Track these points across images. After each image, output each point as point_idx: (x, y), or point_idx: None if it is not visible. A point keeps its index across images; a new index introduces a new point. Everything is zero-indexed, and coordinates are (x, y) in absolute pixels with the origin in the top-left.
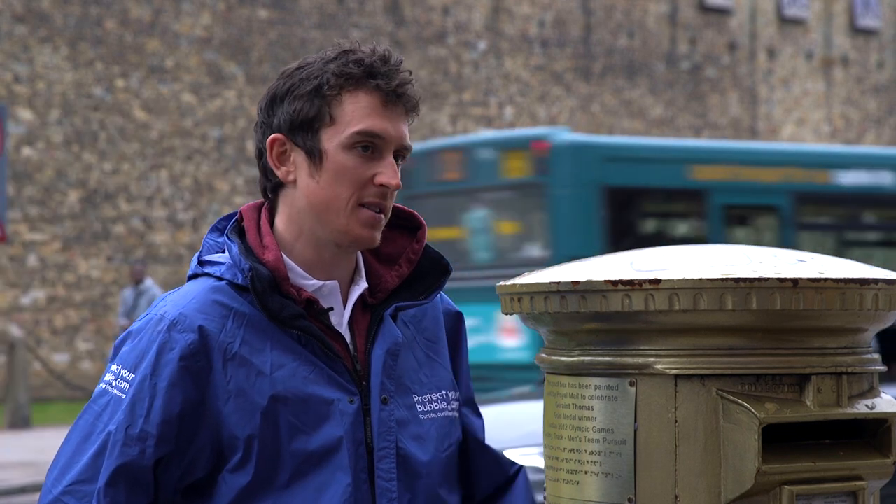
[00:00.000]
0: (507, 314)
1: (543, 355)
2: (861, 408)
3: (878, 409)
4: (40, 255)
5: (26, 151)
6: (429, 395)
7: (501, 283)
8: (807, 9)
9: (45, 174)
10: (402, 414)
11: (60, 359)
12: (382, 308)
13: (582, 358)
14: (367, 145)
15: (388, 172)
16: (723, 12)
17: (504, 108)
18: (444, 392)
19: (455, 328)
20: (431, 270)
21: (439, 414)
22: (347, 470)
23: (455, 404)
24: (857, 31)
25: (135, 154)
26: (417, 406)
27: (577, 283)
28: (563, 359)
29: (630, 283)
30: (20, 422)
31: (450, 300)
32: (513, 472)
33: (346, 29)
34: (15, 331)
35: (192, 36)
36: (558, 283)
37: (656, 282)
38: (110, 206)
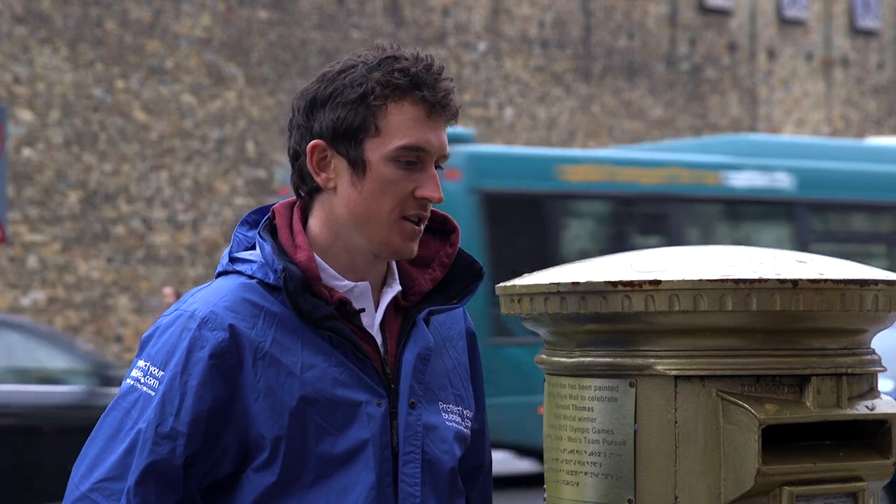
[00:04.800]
0: (506, 315)
1: (543, 356)
2: (861, 409)
3: (878, 410)
4: (40, 256)
5: (26, 152)
6: (451, 406)
7: (501, 283)
8: (807, 10)
9: (44, 175)
10: (429, 419)
11: None
12: (415, 311)
13: (582, 359)
14: (412, 159)
15: (431, 185)
16: (723, 13)
17: (504, 109)
18: (460, 408)
19: (472, 347)
20: (464, 274)
21: (457, 426)
22: (372, 473)
23: (469, 423)
24: (857, 31)
25: (135, 155)
26: (442, 413)
27: (577, 283)
28: (563, 360)
29: (630, 283)
30: None
31: (469, 318)
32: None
33: (346, 30)
34: None
35: (191, 37)
36: (558, 283)
37: (656, 283)
38: (110, 207)
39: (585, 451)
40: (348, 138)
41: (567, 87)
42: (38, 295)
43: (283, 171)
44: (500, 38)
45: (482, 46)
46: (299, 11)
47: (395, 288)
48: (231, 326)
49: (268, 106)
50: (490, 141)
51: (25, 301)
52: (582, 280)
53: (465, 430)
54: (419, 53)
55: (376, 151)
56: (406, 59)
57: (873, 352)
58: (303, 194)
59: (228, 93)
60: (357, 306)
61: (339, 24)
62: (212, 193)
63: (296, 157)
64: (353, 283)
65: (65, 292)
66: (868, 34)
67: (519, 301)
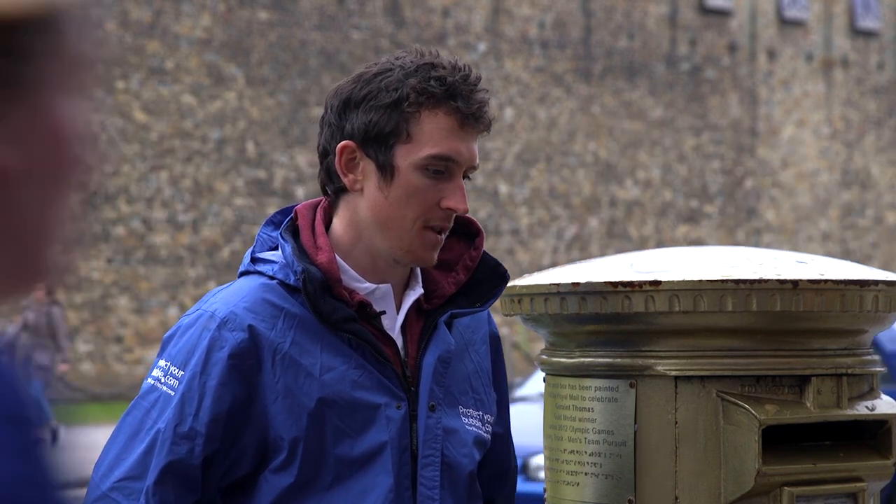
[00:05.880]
0: (507, 315)
1: (544, 356)
2: (861, 409)
3: (878, 411)
4: None
5: None
6: (471, 410)
7: None
8: (807, 10)
9: None
10: (449, 423)
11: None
12: (438, 314)
13: (582, 359)
14: (440, 169)
15: (457, 196)
16: (723, 13)
17: (504, 110)
18: (481, 413)
19: (495, 351)
20: (488, 278)
21: (477, 430)
22: (390, 475)
23: (489, 427)
24: (857, 32)
25: (135, 155)
26: (462, 417)
27: (577, 284)
28: (564, 360)
29: (630, 284)
30: None
31: (494, 322)
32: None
33: (346, 30)
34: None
35: (192, 37)
36: (558, 284)
37: (656, 283)
38: (110, 208)
39: (586, 452)
40: (379, 142)
41: (567, 88)
42: (38, 295)
43: None
44: (500, 39)
45: (482, 47)
46: (299, 12)
47: (417, 291)
48: (250, 327)
49: (268, 106)
50: (490, 141)
51: (25, 301)
52: (582, 280)
53: (485, 434)
54: (457, 62)
55: (406, 158)
56: (444, 68)
57: (873, 352)
58: (329, 192)
59: (228, 93)
60: (378, 309)
61: (340, 25)
62: (212, 194)
63: (325, 154)
64: (375, 286)
65: (64, 293)
66: (868, 34)
67: (519, 301)
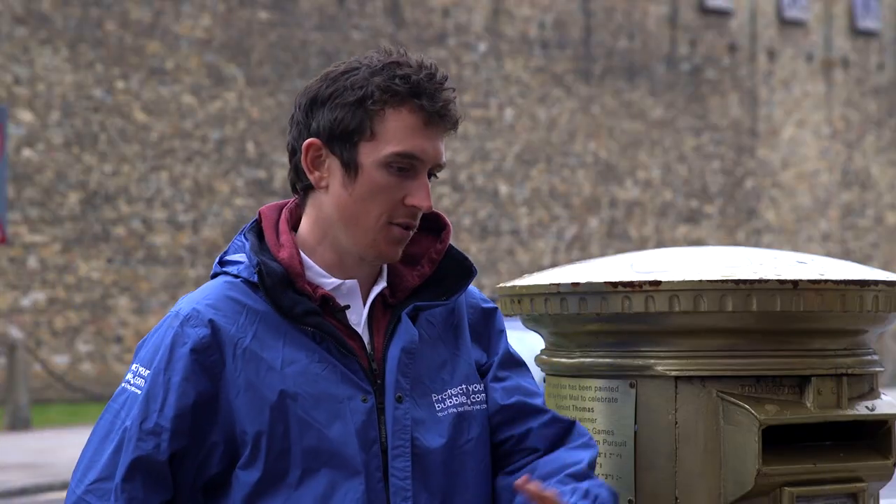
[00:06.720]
0: (507, 316)
1: (544, 357)
2: (861, 409)
3: (879, 411)
4: (40, 256)
5: (26, 153)
6: (449, 391)
7: (502, 284)
8: (807, 10)
9: (45, 176)
10: (418, 413)
11: (60, 360)
12: (402, 307)
13: (582, 359)
14: (404, 166)
15: (421, 194)
16: (723, 14)
17: (504, 110)
18: (464, 386)
19: (484, 321)
20: (454, 271)
21: (459, 409)
22: (361, 468)
23: (477, 397)
24: (857, 32)
25: (135, 156)
26: (436, 405)
27: (578, 284)
28: (564, 360)
29: (630, 284)
30: (20, 423)
31: (483, 296)
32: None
33: (346, 31)
34: (15, 332)
35: (192, 38)
36: (558, 284)
37: (656, 283)
38: (110, 208)
39: None
40: (343, 140)
41: (567, 88)
42: (39, 295)
43: None
44: (500, 39)
45: (482, 47)
46: (299, 12)
47: (381, 284)
48: (211, 322)
49: (268, 107)
50: (490, 142)
51: (25, 301)
52: (582, 281)
53: (471, 407)
54: (423, 61)
55: (370, 156)
56: (409, 66)
57: (873, 352)
58: (297, 190)
59: (229, 93)
60: (344, 303)
61: (340, 25)
62: (212, 194)
63: (293, 153)
64: (341, 281)
65: (65, 293)
66: (868, 35)
67: (519, 302)
